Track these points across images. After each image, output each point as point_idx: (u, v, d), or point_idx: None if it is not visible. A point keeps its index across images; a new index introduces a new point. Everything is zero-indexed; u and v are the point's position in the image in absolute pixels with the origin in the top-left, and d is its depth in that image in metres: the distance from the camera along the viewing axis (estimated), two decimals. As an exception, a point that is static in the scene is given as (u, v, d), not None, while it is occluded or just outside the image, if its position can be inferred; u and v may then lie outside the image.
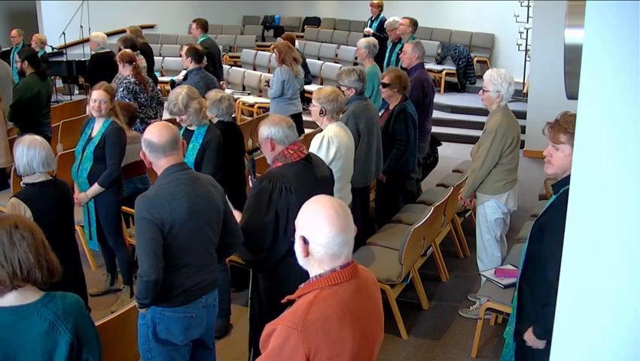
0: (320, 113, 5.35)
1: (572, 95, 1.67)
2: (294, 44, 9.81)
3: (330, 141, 5.24)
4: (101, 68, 9.82)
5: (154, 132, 3.70)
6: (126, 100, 7.42)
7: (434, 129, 8.92)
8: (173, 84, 9.49)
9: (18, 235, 2.73)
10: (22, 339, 2.71)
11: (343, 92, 6.13)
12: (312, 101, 5.46)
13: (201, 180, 3.83)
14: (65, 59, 14.22)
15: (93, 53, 10.80)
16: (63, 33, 14.85)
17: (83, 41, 14.94)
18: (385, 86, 6.66)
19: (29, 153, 4.44)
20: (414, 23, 9.71)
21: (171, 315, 3.74)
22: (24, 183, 4.57)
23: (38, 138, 4.57)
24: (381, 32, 11.83)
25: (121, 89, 7.60)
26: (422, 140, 7.44)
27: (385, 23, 11.02)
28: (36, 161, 4.44)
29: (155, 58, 12.35)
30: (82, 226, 6.53)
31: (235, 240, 4.02)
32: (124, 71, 7.84)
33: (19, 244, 2.72)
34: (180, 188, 3.66)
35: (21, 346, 2.70)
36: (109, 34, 14.03)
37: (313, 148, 5.23)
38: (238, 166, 6.14)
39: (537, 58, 10.80)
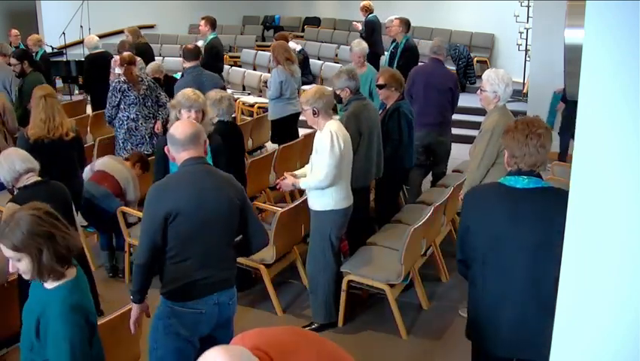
0: (314, 115, 5.34)
1: (572, 95, 1.67)
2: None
3: (337, 135, 5.26)
4: (96, 68, 9.91)
5: (177, 127, 3.90)
6: (113, 97, 7.81)
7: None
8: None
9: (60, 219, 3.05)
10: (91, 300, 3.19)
11: (339, 94, 6.15)
12: (302, 106, 5.46)
13: (215, 175, 3.92)
14: (64, 59, 14.22)
15: (88, 54, 10.85)
16: (63, 33, 14.89)
17: (83, 41, 15.02)
18: (381, 87, 6.68)
19: (7, 161, 4.57)
20: (405, 23, 9.80)
21: (180, 310, 3.81)
22: (16, 188, 4.66)
23: (9, 148, 4.83)
24: (368, 34, 12.10)
25: (111, 88, 7.93)
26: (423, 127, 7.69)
27: (386, 21, 11.17)
28: (17, 163, 4.56)
29: (156, 58, 12.34)
30: (83, 227, 6.57)
31: (255, 239, 4.11)
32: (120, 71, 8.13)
33: (65, 227, 3.04)
34: (189, 179, 3.80)
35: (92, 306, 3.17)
36: (109, 34, 14.10)
37: (325, 146, 5.23)
38: (238, 166, 6.13)
39: (537, 58, 10.79)
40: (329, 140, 5.22)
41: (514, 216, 3.38)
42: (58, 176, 5.86)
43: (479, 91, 5.67)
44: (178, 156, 3.86)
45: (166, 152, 3.98)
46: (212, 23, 10.23)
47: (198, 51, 8.42)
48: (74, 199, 5.24)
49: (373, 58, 12.18)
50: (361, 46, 8.38)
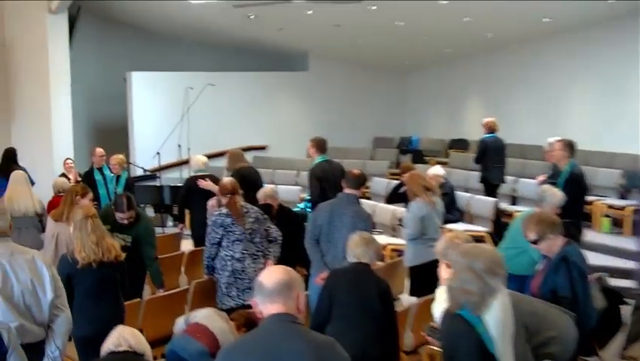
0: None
1: None
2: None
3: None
4: (198, 194, 10.19)
5: (265, 275, 3.98)
6: (214, 234, 8.13)
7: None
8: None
9: None
10: None
11: None
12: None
13: (304, 338, 3.87)
14: (157, 184, 14.48)
15: (189, 177, 11.18)
16: (158, 153, 15.20)
17: (182, 163, 15.40)
18: (535, 242, 6.37)
19: None
20: (568, 145, 9.68)
21: None
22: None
23: None
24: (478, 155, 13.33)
25: (210, 223, 8.33)
26: None
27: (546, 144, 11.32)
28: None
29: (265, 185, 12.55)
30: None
31: None
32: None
33: None
34: (264, 340, 3.85)
35: None
36: (214, 156, 14.47)
37: None
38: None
39: None
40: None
41: None
42: (106, 303, 6.74)
43: None
44: (265, 310, 3.90)
45: (252, 305, 4.02)
46: (320, 146, 10.44)
47: (361, 180, 8.46)
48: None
49: (484, 186, 12.34)
50: (556, 198, 8.02)
